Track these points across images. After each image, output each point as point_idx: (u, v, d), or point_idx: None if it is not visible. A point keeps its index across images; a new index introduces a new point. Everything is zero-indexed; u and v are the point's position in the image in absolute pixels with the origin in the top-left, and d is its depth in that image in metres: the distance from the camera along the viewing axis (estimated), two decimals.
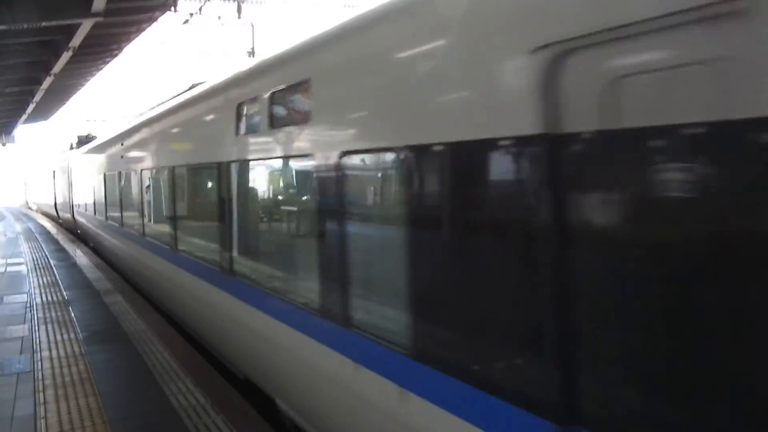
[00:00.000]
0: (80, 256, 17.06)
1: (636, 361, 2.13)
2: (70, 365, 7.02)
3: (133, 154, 11.27)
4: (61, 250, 18.89)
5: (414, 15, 3.25)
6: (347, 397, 3.95)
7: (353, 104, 3.84)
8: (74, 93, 29.73)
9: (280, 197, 5.78)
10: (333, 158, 3.96)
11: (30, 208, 50.53)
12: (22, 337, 8.27)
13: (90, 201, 17.41)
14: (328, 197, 4.10)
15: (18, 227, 29.07)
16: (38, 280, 13.00)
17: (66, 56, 16.00)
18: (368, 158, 3.89)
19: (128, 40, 18.19)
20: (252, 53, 17.65)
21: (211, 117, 6.83)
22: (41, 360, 7.22)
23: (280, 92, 4.89)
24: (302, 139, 4.48)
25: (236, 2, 17.12)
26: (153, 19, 15.93)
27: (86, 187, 18.06)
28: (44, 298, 10.94)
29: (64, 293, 11.43)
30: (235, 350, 6.31)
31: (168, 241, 8.71)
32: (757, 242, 1.76)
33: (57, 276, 13.51)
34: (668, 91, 1.96)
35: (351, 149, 3.84)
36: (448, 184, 2.96)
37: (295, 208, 5.37)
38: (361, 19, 3.90)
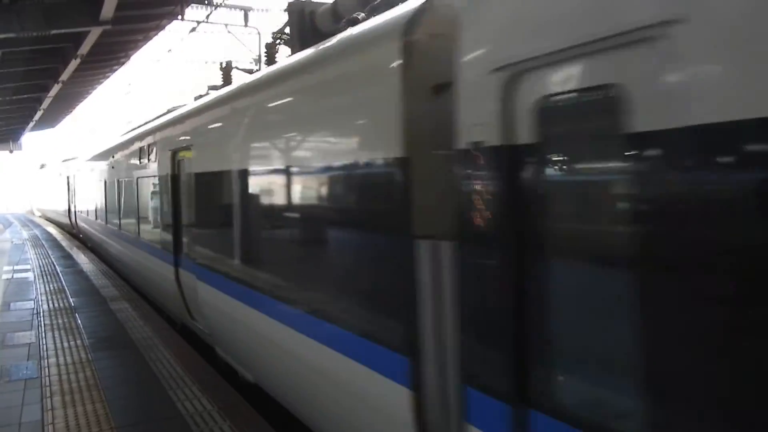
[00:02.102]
0: (86, 263, 17.09)
1: None
2: (77, 372, 7.03)
3: None
4: (67, 256, 18.94)
5: None
6: None
7: None
8: (81, 100, 29.88)
9: None
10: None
11: (73, 228, 25.57)
12: (29, 344, 8.29)
13: None
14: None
15: (25, 234, 29.18)
16: (45, 286, 13.03)
17: (74, 64, 16.08)
18: None
19: (135, 47, 18.27)
20: (258, 61, 17.74)
21: None
22: (48, 366, 7.23)
23: None
24: None
25: (243, 11, 17.19)
26: (160, 27, 16.01)
27: None
28: (51, 305, 10.96)
29: (71, 300, 11.46)
30: None
31: None
32: None
33: (63, 283, 13.54)
34: None
35: None
36: None
37: None
38: None
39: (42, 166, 46.19)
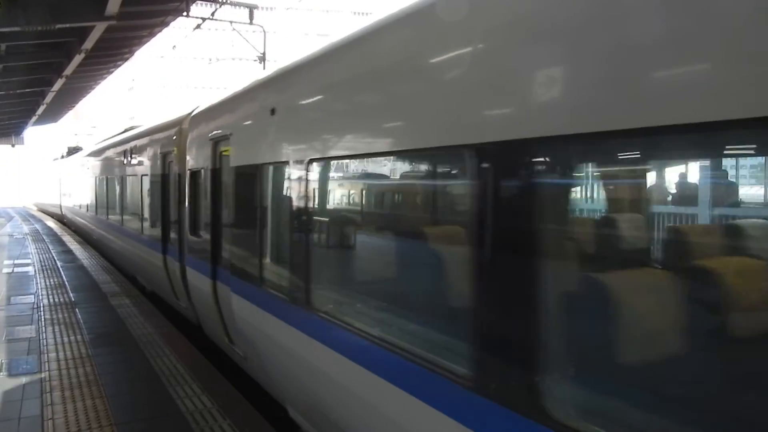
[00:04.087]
0: (87, 258, 17.09)
1: None
2: (77, 367, 7.01)
3: None
4: (67, 251, 18.93)
5: None
6: None
7: None
8: (84, 96, 29.90)
9: None
10: None
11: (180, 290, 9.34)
12: (29, 338, 8.27)
13: None
14: None
15: (25, 228, 29.16)
16: (45, 281, 13.02)
17: (78, 59, 16.07)
18: None
19: (140, 43, 18.28)
20: (263, 58, 17.75)
21: None
22: (48, 361, 7.22)
23: None
24: None
25: (248, 8, 17.22)
26: (165, 24, 16.02)
27: None
28: (51, 300, 10.94)
29: (71, 295, 11.44)
30: None
31: None
32: None
33: (64, 278, 13.53)
34: None
35: None
36: None
37: None
38: None
39: (71, 151, 33.52)
